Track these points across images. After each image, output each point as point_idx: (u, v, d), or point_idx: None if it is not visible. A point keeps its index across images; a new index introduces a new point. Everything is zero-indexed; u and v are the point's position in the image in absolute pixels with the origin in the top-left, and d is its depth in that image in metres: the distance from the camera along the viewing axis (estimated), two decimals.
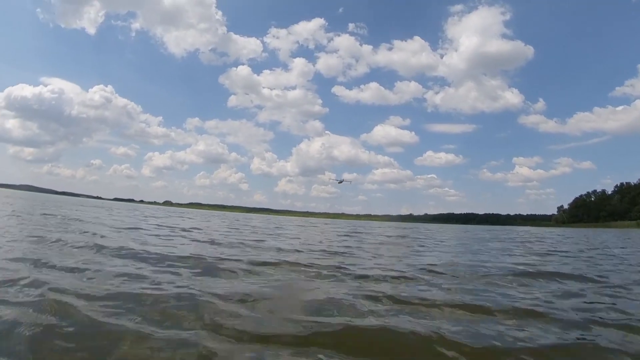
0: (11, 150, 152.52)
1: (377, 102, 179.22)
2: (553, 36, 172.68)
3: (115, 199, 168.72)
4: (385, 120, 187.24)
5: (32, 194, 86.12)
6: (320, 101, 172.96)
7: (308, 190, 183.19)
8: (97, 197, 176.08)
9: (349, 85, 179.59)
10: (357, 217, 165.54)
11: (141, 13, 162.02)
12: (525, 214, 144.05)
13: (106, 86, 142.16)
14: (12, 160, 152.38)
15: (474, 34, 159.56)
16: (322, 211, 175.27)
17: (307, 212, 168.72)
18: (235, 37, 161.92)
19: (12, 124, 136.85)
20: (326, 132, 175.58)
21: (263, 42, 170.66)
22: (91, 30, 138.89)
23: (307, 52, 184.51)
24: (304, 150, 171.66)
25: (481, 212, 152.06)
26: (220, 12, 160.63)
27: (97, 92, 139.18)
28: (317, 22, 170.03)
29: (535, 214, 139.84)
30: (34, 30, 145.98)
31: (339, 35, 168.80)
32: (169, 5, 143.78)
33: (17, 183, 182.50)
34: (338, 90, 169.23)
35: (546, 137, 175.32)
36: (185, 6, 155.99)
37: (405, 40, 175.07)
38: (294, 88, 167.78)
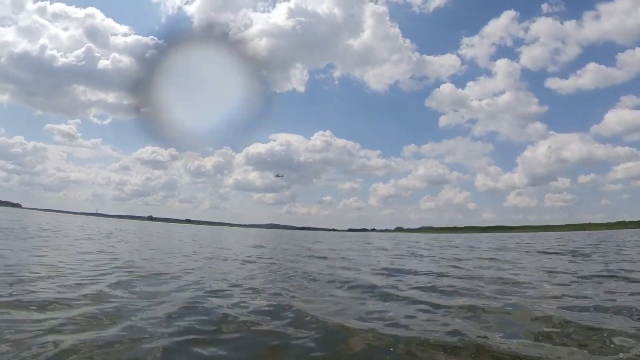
0: (255, 197, 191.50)
1: (601, 84, 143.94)
2: None
3: (349, 230, 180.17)
4: (616, 103, 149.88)
5: (280, 231, 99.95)
6: (535, 99, 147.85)
7: (540, 201, 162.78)
8: (333, 230, 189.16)
9: (562, 74, 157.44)
10: (609, 226, 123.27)
11: (337, 62, 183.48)
12: None
13: (325, 131, 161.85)
14: (257, 204, 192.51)
15: None
16: (560, 223, 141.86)
17: (547, 225, 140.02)
18: (429, 58, 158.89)
19: (253, 176, 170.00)
20: (550, 132, 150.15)
21: (458, 55, 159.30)
22: (301, 89, 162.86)
23: (506, 50, 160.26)
24: (530, 158, 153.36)
25: None
26: (408, 40, 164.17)
27: (318, 138, 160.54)
28: (507, 15, 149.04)
29: None
30: (257, 100, 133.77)
31: (534, 22, 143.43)
32: (359, 48, 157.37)
33: (263, 223, 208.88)
34: (552, 82, 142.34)
35: None
36: (374, 44, 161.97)
37: (612, 1, 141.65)
38: (503, 92, 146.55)
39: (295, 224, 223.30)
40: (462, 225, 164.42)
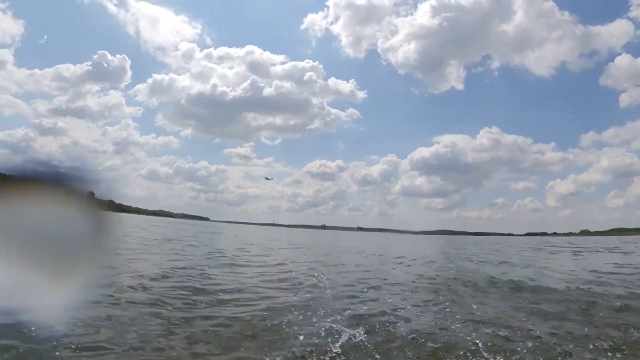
0: (423, 202, 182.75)
1: None
2: None
3: (527, 234, 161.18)
4: None
5: (452, 237, 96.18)
6: None
7: None
8: (509, 234, 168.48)
9: None
10: None
11: (493, 52, 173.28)
12: None
13: (491, 128, 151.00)
14: (426, 210, 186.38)
15: None
16: None
17: None
18: (595, 29, 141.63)
19: (420, 181, 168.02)
20: None
21: (630, 19, 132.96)
22: (459, 86, 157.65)
23: None
24: None
25: None
26: (566, 12, 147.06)
27: (485, 136, 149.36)
28: None
29: None
30: (416, 104, 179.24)
31: None
32: (514, 32, 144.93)
33: (433, 229, 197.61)
34: None
35: None
36: (529, 25, 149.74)
37: None
38: None
39: (467, 229, 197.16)
40: None
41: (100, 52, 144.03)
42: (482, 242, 40.57)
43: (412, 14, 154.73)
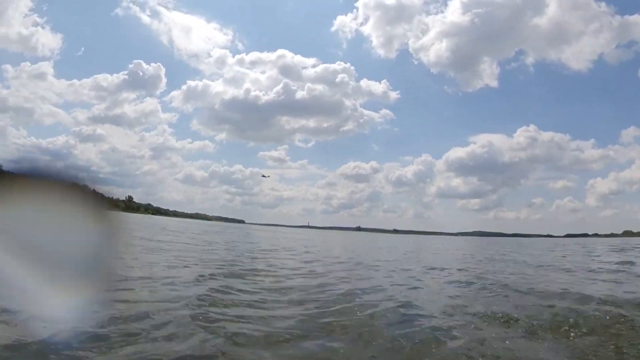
0: (459, 204, 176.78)
1: None
2: None
3: (567, 235, 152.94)
4: None
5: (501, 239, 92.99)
6: None
7: None
8: (548, 236, 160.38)
9: None
10: None
11: (527, 47, 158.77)
12: None
13: (528, 126, 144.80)
14: (462, 211, 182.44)
15: None
16: None
17: None
18: (633, 19, 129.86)
19: (456, 182, 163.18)
20: None
21: None
22: (493, 84, 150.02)
23: None
24: None
25: None
26: (602, 4, 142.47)
27: (521, 135, 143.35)
28: None
29: None
30: (450, 103, 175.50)
31: None
32: (547, 26, 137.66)
33: (470, 230, 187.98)
34: None
35: None
36: (564, 18, 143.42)
37: None
38: None
39: (504, 230, 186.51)
40: None
41: (135, 61, 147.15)
42: (544, 243, 39.19)
43: (442, 12, 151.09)
